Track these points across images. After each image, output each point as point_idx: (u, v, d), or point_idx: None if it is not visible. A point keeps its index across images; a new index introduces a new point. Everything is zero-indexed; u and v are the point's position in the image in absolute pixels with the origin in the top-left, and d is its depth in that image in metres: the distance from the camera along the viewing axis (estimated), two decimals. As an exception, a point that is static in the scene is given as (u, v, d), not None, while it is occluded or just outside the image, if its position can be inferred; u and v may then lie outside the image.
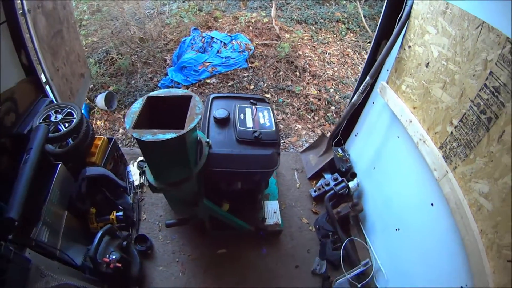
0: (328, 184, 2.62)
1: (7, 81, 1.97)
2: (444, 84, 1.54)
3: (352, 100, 2.32)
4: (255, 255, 2.34)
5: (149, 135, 1.34)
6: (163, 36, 4.87)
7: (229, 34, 4.74)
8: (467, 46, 1.39)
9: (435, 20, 1.59)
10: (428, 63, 1.66)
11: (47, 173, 1.91)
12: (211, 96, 2.16)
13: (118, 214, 2.28)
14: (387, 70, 2.11)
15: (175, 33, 4.92)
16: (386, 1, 2.09)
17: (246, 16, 5.03)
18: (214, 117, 1.95)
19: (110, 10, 4.94)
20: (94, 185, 2.24)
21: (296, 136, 3.76)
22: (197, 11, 5.27)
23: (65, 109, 2.15)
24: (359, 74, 2.58)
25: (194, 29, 4.79)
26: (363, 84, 2.20)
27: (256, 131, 1.86)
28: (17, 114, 2.04)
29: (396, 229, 2.00)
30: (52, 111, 2.12)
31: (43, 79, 2.35)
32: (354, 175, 2.56)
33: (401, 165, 2.02)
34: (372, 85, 2.26)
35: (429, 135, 1.65)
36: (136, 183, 2.70)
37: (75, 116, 2.12)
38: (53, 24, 2.49)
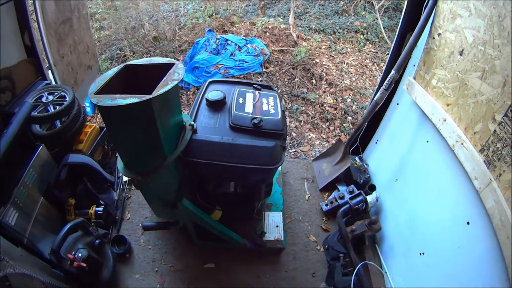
0: (342, 197, 2.27)
1: (6, 60, 1.93)
2: (483, 72, 1.31)
3: (375, 99, 2.00)
4: (249, 274, 1.99)
5: (107, 100, 1.08)
6: (177, 37, 4.77)
7: (244, 37, 4.58)
8: (506, 25, 1.17)
9: (466, 1, 1.39)
10: (462, 50, 1.43)
11: (26, 154, 1.79)
12: (208, 80, 1.89)
13: (97, 209, 2.05)
14: (414, 65, 1.89)
15: (190, 35, 4.82)
16: None
17: (263, 21, 4.88)
18: (206, 98, 1.65)
19: (124, 5, 4.92)
20: (76, 174, 2.05)
21: (309, 146, 3.45)
22: (214, 14, 5.18)
23: (59, 92, 2.06)
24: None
25: (209, 30, 4.68)
26: (387, 79, 1.90)
27: (256, 117, 1.54)
28: (13, 93, 1.99)
29: (420, 253, 1.67)
30: (46, 93, 2.03)
31: (46, 63, 2.32)
32: (373, 188, 2.20)
33: (430, 176, 1.70)
34: (397, 83, 1.98)
35: (467, 136, 1.38)
36: (125, 179, 2.43)
37: (67, 99, 2.00)
38: (63, 11, 2.50)
